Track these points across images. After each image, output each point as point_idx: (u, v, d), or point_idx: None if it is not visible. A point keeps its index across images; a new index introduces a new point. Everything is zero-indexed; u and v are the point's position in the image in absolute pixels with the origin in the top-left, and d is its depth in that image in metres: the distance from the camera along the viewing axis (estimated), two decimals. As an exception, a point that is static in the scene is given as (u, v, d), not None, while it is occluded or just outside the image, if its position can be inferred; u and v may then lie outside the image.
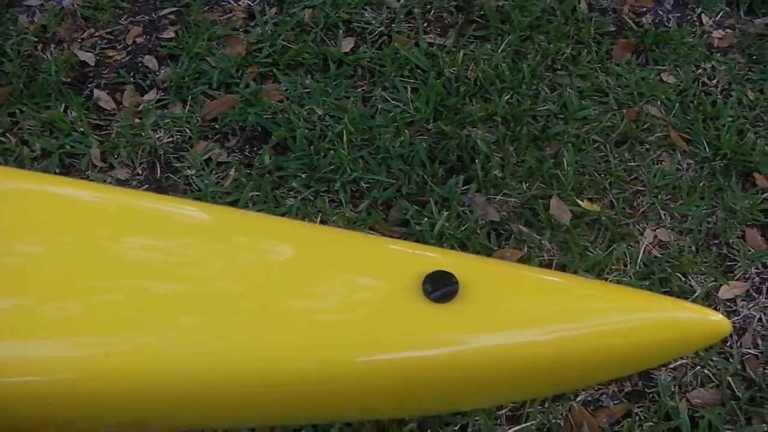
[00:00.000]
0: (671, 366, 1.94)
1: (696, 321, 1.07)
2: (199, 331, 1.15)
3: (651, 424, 1.82)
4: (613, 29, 2.70)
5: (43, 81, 2.42)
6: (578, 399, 1.85)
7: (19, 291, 1.17)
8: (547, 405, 1.83)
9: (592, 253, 2.10)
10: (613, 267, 2.07)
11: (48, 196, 1.34)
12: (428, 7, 2.72)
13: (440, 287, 1.04)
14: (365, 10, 2.68)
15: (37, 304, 1.15)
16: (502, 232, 2.15)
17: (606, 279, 2.10)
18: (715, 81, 2.57)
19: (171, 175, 2.25)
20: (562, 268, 2.08)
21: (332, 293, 1.16)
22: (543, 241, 2.12)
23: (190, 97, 2.40)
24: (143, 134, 2.32)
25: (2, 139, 2.30)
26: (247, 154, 2.31)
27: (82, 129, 2.32)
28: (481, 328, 1.05)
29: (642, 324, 1.07)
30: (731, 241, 2.16)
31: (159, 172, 2.26)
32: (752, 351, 1.99)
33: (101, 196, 1.35)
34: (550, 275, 1.17)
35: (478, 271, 1.09)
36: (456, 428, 1.79)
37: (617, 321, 1.07)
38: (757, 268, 2.12)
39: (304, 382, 1.11)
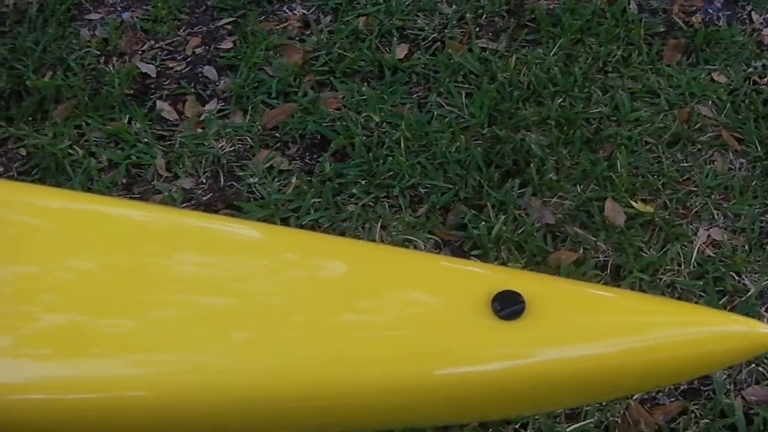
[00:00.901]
0: (727, 364, 2.07)
1: (747, 334, 1.21)
2: (275, 345, 1.24)
3: (707, 421, 1.94)
4: (663, 30, 2.82)
5: (107, 93, 2.59)
6: (635, 398, 1.99)
7: (73, 307, 1.24)
8: (604, 404, 1.96)
9: (646, 253, 2.23)
10: (667, 267, 2.20)
11: (101, 216, 1.45)
12: (480, 11, 2.86)
13: (508, 306, 1.19)
14: (418, 16, 2.83)
15: (93, 322, 1.23)
16: (557, 234, 2.28)
17: (660, 279, 2.23)
18: (766, 79, 2.68)
19: (234, 183, 2.41)
20: (617, 269, 2.21)
21: (406, 311, 1.27)
22: (598, 243, 2.25)
23: (250, 107, 2.55)
24: (206, 144, 2.48)
25: (70, 151, 2.47)
26: (307, 161, 2.47)
27: (146, 140, 2.49)
28: (547, 343, 1.19)
29: (696, 337, 1.20)
30: (785, 239, 2.28)
31: (222, 180, 2.42)
32: (807, 348, 2.10)
33: (152, 216, 1.45)
34: (606, 291, 1.31)
35: (542, 290, 1.23)
36: (517, 426, 1.93)
37: (673, 335, 1.20)
38: (810, 267, 2.24)
39: (383, 393, 1.22)
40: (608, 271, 2.18)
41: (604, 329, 1.16)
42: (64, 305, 1.23)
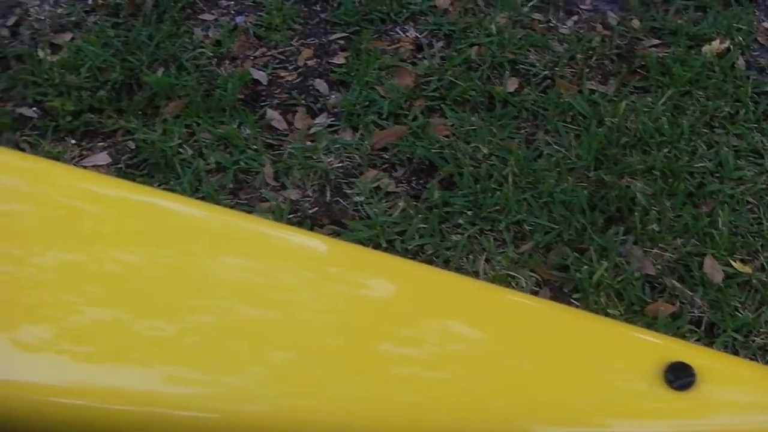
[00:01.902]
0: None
1: None
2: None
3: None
4: (771, 89, 2.92)
5: (220, 96, 2.72)
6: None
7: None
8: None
9: (741, 314, 2.33)
10: (761, 330, 2.30)
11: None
12: (590, 53, 2.97)
13: (681, 377, 1.24)
14: (529, 51, 2.95)
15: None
16: (656, 285, 2.39)
17: (753, 341, 2.33)
18: None
19: (340, 200, 2.53)
20: (712, 326, 2.31)
21: (571, 374, 1.24)
22: (695, 298, 2.36)
23: (361, 126, 2.67)
24: (314, 157, 2.61)
25: (180, 150, 2.59)
26: (413, 185, 2.59)
27: (255, 147, 2.62)
28: (722, 413, 1.24)
29: None
30: None
31: (329, 195, 2.54)
32: None
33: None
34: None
35: (709, 363, 1.27)
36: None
37: None
38: None
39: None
40: (703, 327, 2.27)
41: None
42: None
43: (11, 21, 3.11)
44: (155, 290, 1.25)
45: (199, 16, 2.99)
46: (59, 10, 3.08)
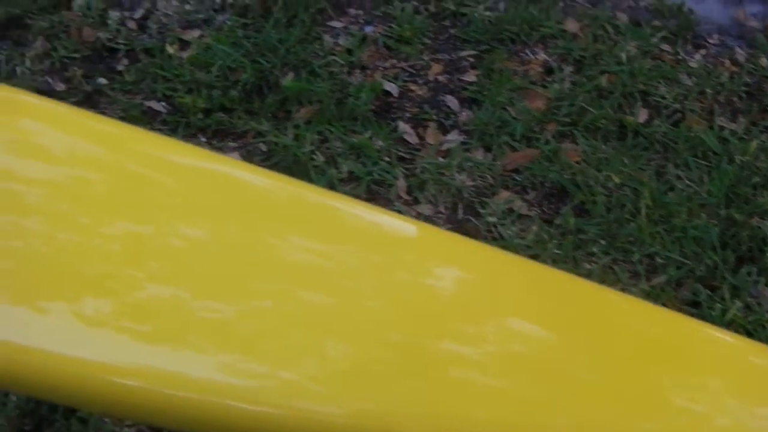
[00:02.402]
0: None
1: None
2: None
3: None
4: None
5: (352, 105, 2.77)
6: None
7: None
8: None
9: None
10: None
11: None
12: (719, 89, 3.00)
13: None
14: (660, 83, 2.98)
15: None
16: (786, 328, 2.41)
17: None
18: None
19: (472, 219, 2.58)
20: None
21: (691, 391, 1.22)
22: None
23: (494, 146, 2.71)
24: (447, 174, 2.65)
25: (313, 156, 2.64)
26: (545, 210, 2.63)
27: (388, 159, 2.66)
28: None
29: None
30: None
31: (461, 213, 2.58)
32: None
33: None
34: None
35: None
36: None
37: None
38: None
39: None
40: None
41: None
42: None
43: (138, 14, 3.17)
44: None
45: (328, 23, 3.04)
46: (187, 7, 3.14)
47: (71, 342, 1.09)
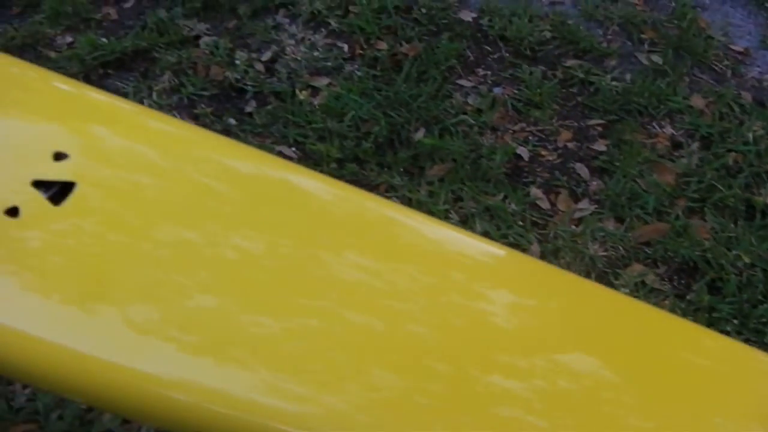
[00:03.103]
0: None
1: None
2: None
3: None
4: None
5: (486, 167, 2.87)
6: None
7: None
8: None
9: None
10: None
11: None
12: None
13: None
14: (787, 166, 3.08)
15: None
16: None
17: None
18: None
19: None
20: None
21: None
22: None
23: (627, 218, 2.81)
24: (580, 242, 2.75)
25: (448, 215, 2.74)
26: (676, 285, 2.72)
27: (522, 223, 2.76)
28: None
29: None
30: None
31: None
32: None
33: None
34: None
35: None
36: None
37: None
38: None
39: None
40: None
41: None
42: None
43: (266, 56, 3.29)
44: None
45: (458, 81, 3.15)
46: (315, 53, 3.25)
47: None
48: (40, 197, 1.34)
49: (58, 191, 1.39)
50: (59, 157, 1.43)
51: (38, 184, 1.38)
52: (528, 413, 1.12)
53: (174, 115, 3.04)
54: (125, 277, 1.21)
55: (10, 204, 1.32)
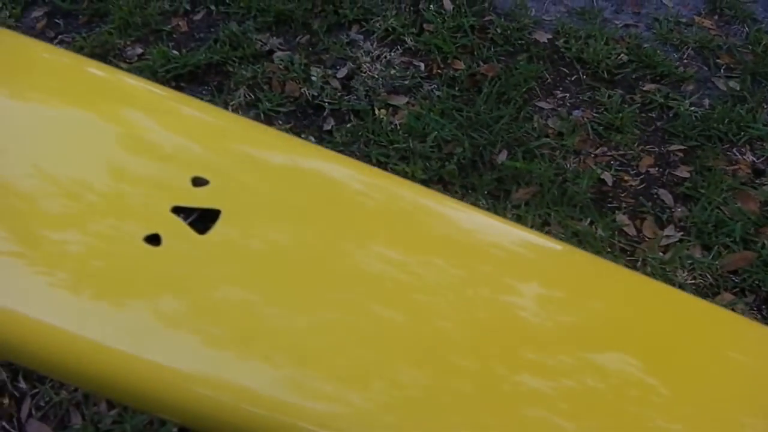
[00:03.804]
0: None
1: None
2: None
3: None
4: None
5: (572, 191, 2.90)
6: None
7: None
8: None
9: None
10: None
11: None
12: None
13: None
14: None
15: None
16: None
17: None
18: None
19: (696, 318, 2.69)
20: None
21: None
22: None
23: (714, 246, 2.84)
24: (669, 270, 2.78)
25: (536, 238, 2.77)
26: (765, 314, 2.75)
27: (609, 250, 2.79)
28: None
29: None
30: None
31: (685, 311, 2.70)
32: None
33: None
34: None
35: None
36: None
37: None
38: None
39: None
40: None
41: None
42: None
43: (342, 74, 3.31)
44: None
45: (537, 103, 3.18)
46: (392, 71, 3.28)
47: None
48: (182, 225, 1.33)
49: (198, 217, 1.40)
50: (199, 182, 1.44)
51: (178, 210, 1.38)
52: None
53: None
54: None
55: (150, 231, 1.32)
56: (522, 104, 3.14)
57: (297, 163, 1.54)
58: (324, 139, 3.06)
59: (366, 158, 2.99)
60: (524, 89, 3.19)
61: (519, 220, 2.80)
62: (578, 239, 2.78)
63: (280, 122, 3.13)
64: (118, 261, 1.24)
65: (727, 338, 1.28)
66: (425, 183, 2.90)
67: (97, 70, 1.65)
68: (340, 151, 2.92)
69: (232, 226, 1.34)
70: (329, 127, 3.12)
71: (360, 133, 3.05)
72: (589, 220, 2.84)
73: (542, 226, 2.80)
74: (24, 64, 1.58)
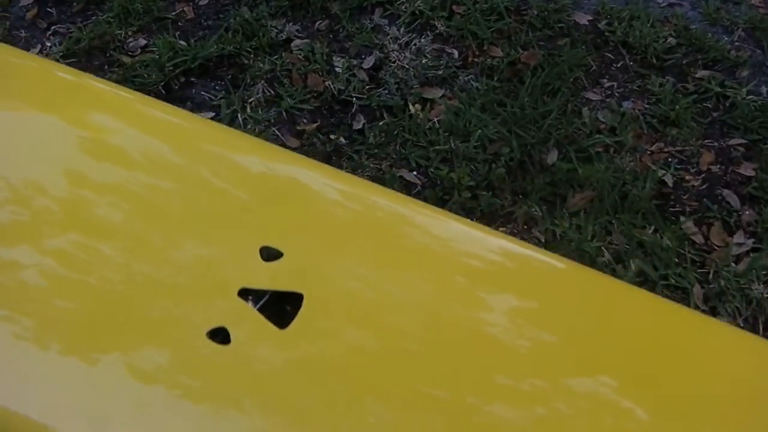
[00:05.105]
0: None
1: None
2: None
3: None
4: None
5: (633, 196, 2.64)
6: None
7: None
8: None
9: None
10: None
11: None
12: None
13: None
14: None
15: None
16: None
17: None
18: None
19: (778, 337, 2.46)
20: None
21: None
22: None
23: (790, 254, 2.61)
24: (742, 282, 2.53)
25: (600, 252, 2.52)
26: None
27: (677, 260, 2.54)
28: None
29: None
30: None
31: (761, 329, 2.47)
32: None
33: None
34: None
35: None
36: None
37: None
38: None
39: None
40: None
41: None
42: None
43: (368, 64, 3.03)
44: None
45: (584, 95, 2.91)
46: (423, 60, 3.01)
47: None
48: (255, 315, 1.07)
49: (271, 301, 1.12)
50: (270, 255, 1.14)
51: (246, 294, 1.10)
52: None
53: (275, 133, 2.87)
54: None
55: (214, 323, 1.04)
56: (569, 96, 2.84)
57: (393, 219, 1.33)
58: (355, 139, 2.79)
59: (404, 161, 2.71)
60: (570, 79, 2.89)
61: (579, 230, 2.52)
62: (644, 251, 2.52)
63: (305, 121, 2.83)
64: (176, 369, 1.01)
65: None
66: (472, 190, 2.62)
67: (108, 91, 1.45)
68: (374, 155, 2.65)
69: (318, 315, 1.08)
70: (360, 126, 2.84)
71: (395, 132, 2.77)
72: (653, 227, 2.56)
73: (604, 236, 2.53)
74: (31, 91, 1.38)
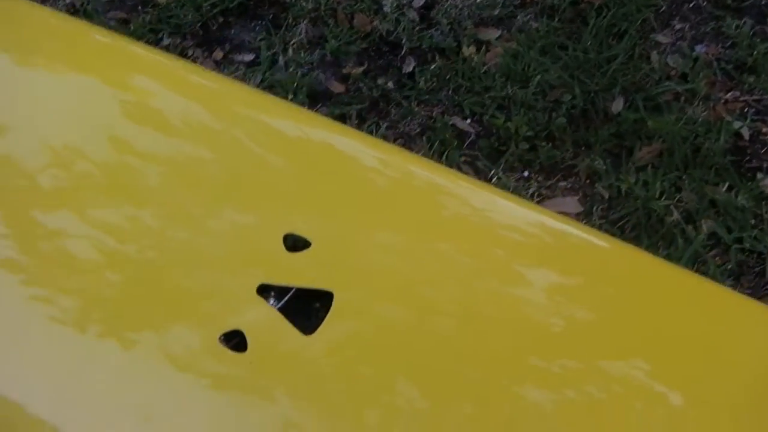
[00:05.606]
0: None
1: None
2: None
3: None
4: None
5: (706, 150, 2.41)
6: None
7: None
8: None
9: None
10: None
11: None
12: None
13: None
14: None
15: None
16: None
17: None
18: None
19: None
20: None
21: None
22: None
23: None
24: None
25: (668, 211, 2.29)
26: None
27: (753, 221, 2.31)
28: None
29: None
30: None
31: None
32: None
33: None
34: None
35: None
36: None
37: None
38: None
39: None
40: None
41: None
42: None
43: (419, 2, 2.80)
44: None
45: (653, 37, 2.66)
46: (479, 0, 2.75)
47: None
48: (277, 317, 0.90)
49: (295, 299, 0.93)
50: (295, 244, 0.98)
51: (266, 291, 0.93)
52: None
53: (318, 78, 2.74)
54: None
55: (229, 326, 0.89)
56: (637, 39, 2.60)
57: (446, 201, 1.14)
58: (405, 84, 2.59)
59: (457, 108, 2.51)
60: (638, 20, 2.65)
61: (646, 186, 2.31)
62: (717, 211, 2.30)
63: (351, 64, 2.62)
64: (183, 379, 0.87)
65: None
66: (530, 140, 2.41)
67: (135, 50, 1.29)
68: (425, 101, 2.45)
69: (350, 319, 0.93)
70: (410, 69, 2.65)
71: (448, 77, 2.57)
72: (727, 185, 2.33)
73: (673, 193, 2.30)
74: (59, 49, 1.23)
